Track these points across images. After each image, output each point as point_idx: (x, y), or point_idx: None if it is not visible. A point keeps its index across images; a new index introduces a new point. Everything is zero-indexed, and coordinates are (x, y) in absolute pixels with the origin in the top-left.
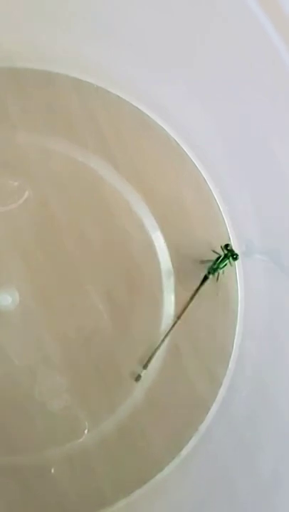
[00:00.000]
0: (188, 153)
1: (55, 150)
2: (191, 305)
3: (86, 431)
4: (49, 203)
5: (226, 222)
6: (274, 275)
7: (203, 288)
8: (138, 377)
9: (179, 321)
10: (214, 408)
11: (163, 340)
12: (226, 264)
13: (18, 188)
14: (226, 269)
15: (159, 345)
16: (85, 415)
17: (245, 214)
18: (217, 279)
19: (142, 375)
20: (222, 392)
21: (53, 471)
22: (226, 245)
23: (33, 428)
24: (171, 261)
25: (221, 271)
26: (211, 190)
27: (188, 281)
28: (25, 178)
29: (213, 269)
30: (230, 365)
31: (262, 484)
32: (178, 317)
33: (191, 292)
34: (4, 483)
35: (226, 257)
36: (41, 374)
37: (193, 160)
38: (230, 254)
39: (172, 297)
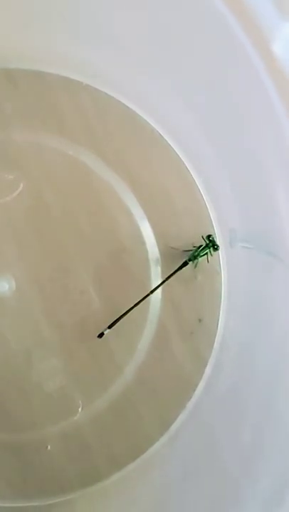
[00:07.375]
0: (172, 146)
1: (47, 145)
2: (178, 290)
3: (80, 409)
4: (42, 195)
5: (209, 210)
6: (255, 261)
7: (190, 273)
8: (101, 335)
9: (166, 304)
10: (201, 386)
11: (132, 308)
12: (206, 253)
13: (13, 181)
14: (210, 257)
15: (128, 311)
16: (79, 394)
17: (228, 202)
18: (195, 266)
19: (106, 333)
20: (208, 370)
21: (49, 447)
22: (208, 236)
23: (30, 407)
24: (158, 249)
25: (200, 259)
26: (194, 180)
27: (174, 267)
28: (20, 171)
29: (194, 256)
30: (215, 345)
31: (245, 454)
32: (151, 291)
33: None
34: (3, 459)
35: (207, 246)
36: (37, 356)
37: (177, 152)
38: (211, 244)
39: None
